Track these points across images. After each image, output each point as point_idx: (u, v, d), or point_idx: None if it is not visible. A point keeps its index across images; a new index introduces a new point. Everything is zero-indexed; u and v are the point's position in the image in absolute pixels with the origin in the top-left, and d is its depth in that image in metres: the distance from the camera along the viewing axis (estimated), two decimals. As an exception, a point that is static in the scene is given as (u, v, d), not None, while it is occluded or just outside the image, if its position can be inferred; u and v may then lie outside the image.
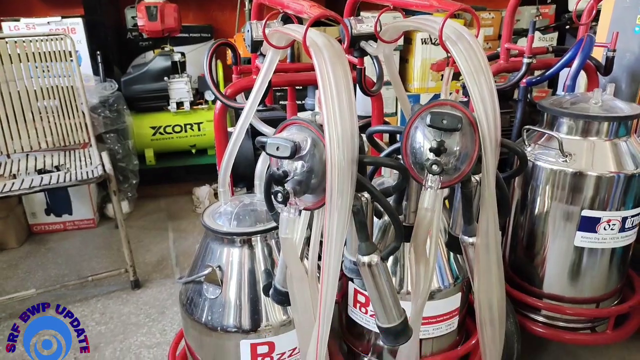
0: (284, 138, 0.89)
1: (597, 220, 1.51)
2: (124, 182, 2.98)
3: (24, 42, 2.37)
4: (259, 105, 1.23)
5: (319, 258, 0.97)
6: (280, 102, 2.88)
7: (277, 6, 1.33)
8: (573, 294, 1.63)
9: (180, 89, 3.10)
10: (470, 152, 0.99)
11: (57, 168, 2.37)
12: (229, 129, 1.44)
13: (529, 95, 1.87)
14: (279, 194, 0.89)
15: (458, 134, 0.96)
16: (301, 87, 2.44)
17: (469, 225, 1.11)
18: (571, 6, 3.08)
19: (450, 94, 1.14)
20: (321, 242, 0.95)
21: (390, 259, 1.34)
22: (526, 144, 1.61)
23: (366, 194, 0.94)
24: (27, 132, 2.38)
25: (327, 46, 0.89)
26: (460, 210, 1.12)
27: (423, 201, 0.99)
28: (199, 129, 3.21)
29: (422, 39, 2.91)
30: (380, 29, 1.23)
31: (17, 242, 2.71)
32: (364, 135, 1.09)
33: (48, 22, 2.91)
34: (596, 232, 1.52)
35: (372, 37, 1.28)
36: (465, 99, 1.85)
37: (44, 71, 2.42)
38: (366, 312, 1.40)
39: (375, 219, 1.18)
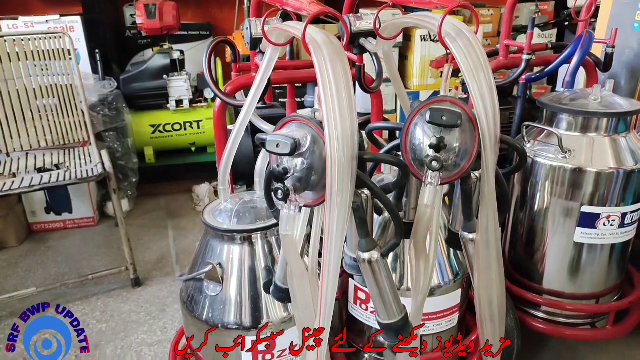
0: (284, 135, 0.89)
1: (596, 216, 1.51)
2: (123, 180, 2.98)
3: (22, 40, 2.36)
4: (258, 103, 1.23)
5: (320, 255, 0.97)
6: (280, 100, 2.88)
7: (276, 3, 1.33)
8: (573, 290, 1.63)
9: (179, 87, 3.10)
10: (470, 149, 0.99)
11: (57, 166, 2.37)
12: (229, 127, 1.44)
13: (528, 92, 1.87)
14: (279, 191, 0.89)
15: (458, 131, 0.97)
16: (301, 85, 2.43)
17: (469, 222, 1.11)
18: (570, 3, 3.07)
19: (450, 90, 1.14)
20: (321, 239, 0.96)
21: (391, 255, 1.34)
22: (526, 140, 1.61)
23: (366, 191, 0.95)
24: (27, 131, 2.38)
25: (327, 43, 0.89)
26: (460, 207, 1.12)
27: (423, 198, 0.99)
28: (199, 127, 3.21)
29: (421, 36, 2.91)
30: (380, 26, 1.23)
31: (17, 240, 2.71)
32: (363, 132, 1.09)
33: (47, 21, 2.91)
34: (596, 228, 1.52)
35: (372, 34, 1.28)
36: (465, 96, 1.85)
37: (42, 70, 2.41)
38: (367, 309, 1.40)
39: (375, 215, 1.18)
